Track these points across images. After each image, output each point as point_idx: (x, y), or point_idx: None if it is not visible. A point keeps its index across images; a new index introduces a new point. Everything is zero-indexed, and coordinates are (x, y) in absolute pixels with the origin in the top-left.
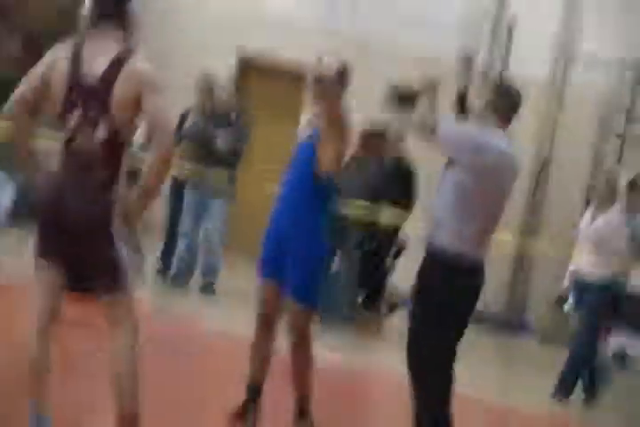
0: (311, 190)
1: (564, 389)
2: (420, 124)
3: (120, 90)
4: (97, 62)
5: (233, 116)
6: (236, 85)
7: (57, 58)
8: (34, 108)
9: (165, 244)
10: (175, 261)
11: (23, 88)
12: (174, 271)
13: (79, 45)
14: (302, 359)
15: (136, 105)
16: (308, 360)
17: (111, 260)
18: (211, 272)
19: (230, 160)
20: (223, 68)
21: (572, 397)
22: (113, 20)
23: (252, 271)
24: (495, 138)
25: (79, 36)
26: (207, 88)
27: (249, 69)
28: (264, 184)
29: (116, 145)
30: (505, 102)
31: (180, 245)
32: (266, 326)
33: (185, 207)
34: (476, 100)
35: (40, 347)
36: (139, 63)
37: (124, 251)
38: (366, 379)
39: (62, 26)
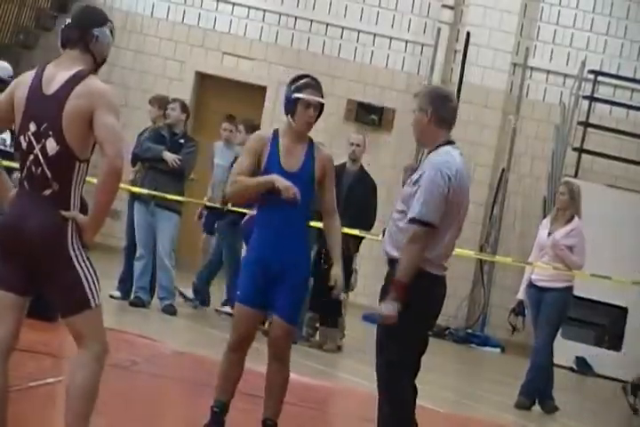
0: (306, 220)
1: (527, 398)
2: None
3: (72, 106)
4: (55, 80)
5: (181, 134)
6: (195, 102)
7: (24, 78)
8: None
9: (125, 267)
10: (134, 284)
11: None
12: (134, 295)
13: (42, 67)
14: (284, 379)
15: (88, 122)
16: (287, 380)
17: (71, 277)
18: (166, 294)
19: (178, 177)
20: (180, 87)
21: (534, 407)
22: (78, 44)
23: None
24: (453, 162)
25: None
26: (158, 108)
27: (207, 86)
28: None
29: (68, 160)
30: (449, 111)
31: (137, 268)
32: (242, 349)
33: (135, 223)
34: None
35: None
36: (93, 82)
37: (87, 267)
38: (330, 394)
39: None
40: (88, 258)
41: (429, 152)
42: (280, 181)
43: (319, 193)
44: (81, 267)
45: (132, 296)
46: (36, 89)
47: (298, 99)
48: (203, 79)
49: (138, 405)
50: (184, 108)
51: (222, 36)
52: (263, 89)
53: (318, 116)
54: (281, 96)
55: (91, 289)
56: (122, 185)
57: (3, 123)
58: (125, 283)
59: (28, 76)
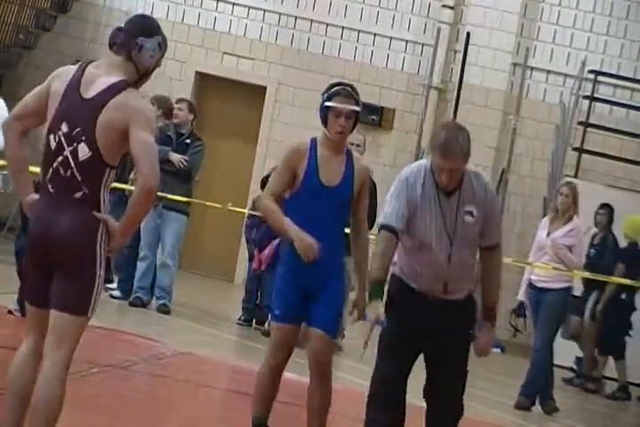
0: (341, 233)
1: (527, 398)
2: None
3: (107, 117)
4: (95, 84)
5: (187, 134)
6: (195, 102)
7: (65, 71)
8: (27, 119)
9: (125, 267)
10: (135, 284)
11: (21, 103)
12: (134, 295)
13: (84, 66)
14: (325, 396)
15: (122, 134)
16: (329, 397)
17: (87, 278)
18: (163, 293)
19: (185, 178)
20: (180, 87)
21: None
22: (121, 50)
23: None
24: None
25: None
26: (164, 109)
27: (207, 86)
28: (224, 202)
29: (98, 165)
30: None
31: (140, 268)
32: (281, 367)
33: (142, 225)
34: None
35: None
36: (132, 95)
37: (101, 277)
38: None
39: None
40: (104, 269)
41: (462, 182)
42: (301, 241)
43: (353, 204)
44: (99, 274)
45: (132, 296)
46: (73, 88)
47: (328, 107)
48: (203, 79)
49: (137, 405)
50: (191, 107)
51: (222, 36)
52: (263, 89)
53: (355, 124)
54: (281, 96)
55: (95, 299)
56: (123, 186)
57: (36, 116)
58: (125, 283)
59: (69, 71)
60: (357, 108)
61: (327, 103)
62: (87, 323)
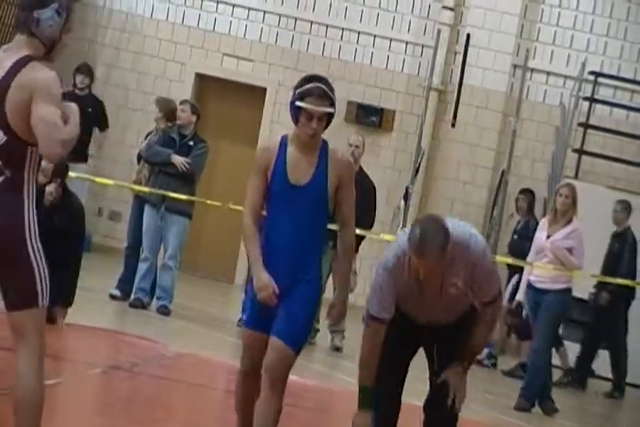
0: (318, 237)
1: (526, 400)
2: None
3: (14, 94)
4: (1, 68)
5: (190, 136)
6: (196, 105)
7: None
8: None
9: (125, 267)
10: (135, 285)
11: None
12: (134, 297)
13: None
14: (273, 412)
15: (30, 110)
16: (277, 415)
17: (24, 270)
18: (163, 295)
19: (187, 180)
20: (180, 88)
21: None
22: (23, 27)
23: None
24: None
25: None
26: (165, 111)
27: (207, 87)
28: (224, 203)
29: (18, 147)
30: None
31: (140, 270)
32: (257, 376)
33: (144, 226)
34: None
35: None
36: (35, 68)
37: (41, 264)
38: (329, 395)
39: None
40: (42, 254)
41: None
42: (258, 281)
43: (335, 204)
44: (36, 261)
45: (132, 298)
46: None
47: (299, 108)
48: (203, 80)
49: (137, 406)
50: (194, 109)
51: (222, 38)
52: (263, 90)
53: (327, 124)
54: (281, 98)
55: (42, 287)
56: (127, 184)
57: None
58: (125, 283)
59: None
60: (331, 110)
61: (299, 103)
62: (44, 312)
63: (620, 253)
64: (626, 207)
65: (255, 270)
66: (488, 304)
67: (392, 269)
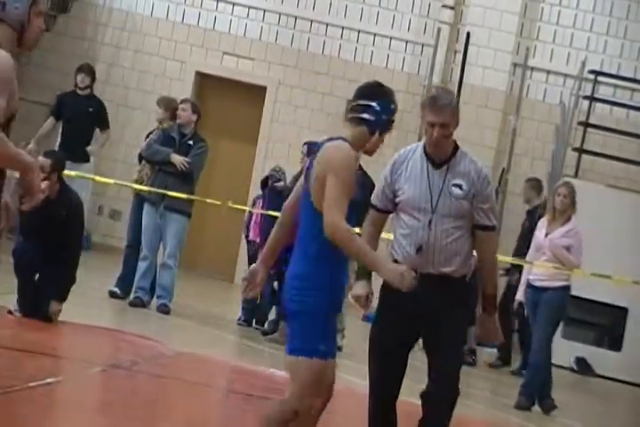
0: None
1: (526, 398)
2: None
3: None
4: None
5: (190, 135)
6: (196, 103)
7: None
8: None
9: (125, 266)
10: (135, 284)
11: None
12: (134, 295)
13: None
14: None
15: None
16: None
17: None
18: (163, 293)
19: (187, 179)
20: (180, 87)
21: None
22: None
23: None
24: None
25: None
26: (166, 109)
27: (207, 86)
28: (223, 202)
29: None
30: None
31: (140, 268)
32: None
33: (143, 225)
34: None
35: None
36: None
37: None
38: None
39: None
40: None
41: (453, 157)
42: (395, 270)
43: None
44: None
45: (132, 296)
46: None
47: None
48: (203, 79)
49: (137, 405)
50: (195, 108)
51: (222, 36)
52: (263, 89)
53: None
54: (281, 96)
55: None
56: (127, 184)
57: None
58: (125, 282)
59: None
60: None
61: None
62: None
63: (530, 231)
64: (534, 185)
65: (381, 265)
66: (488, 230)
67: (395, 163)
